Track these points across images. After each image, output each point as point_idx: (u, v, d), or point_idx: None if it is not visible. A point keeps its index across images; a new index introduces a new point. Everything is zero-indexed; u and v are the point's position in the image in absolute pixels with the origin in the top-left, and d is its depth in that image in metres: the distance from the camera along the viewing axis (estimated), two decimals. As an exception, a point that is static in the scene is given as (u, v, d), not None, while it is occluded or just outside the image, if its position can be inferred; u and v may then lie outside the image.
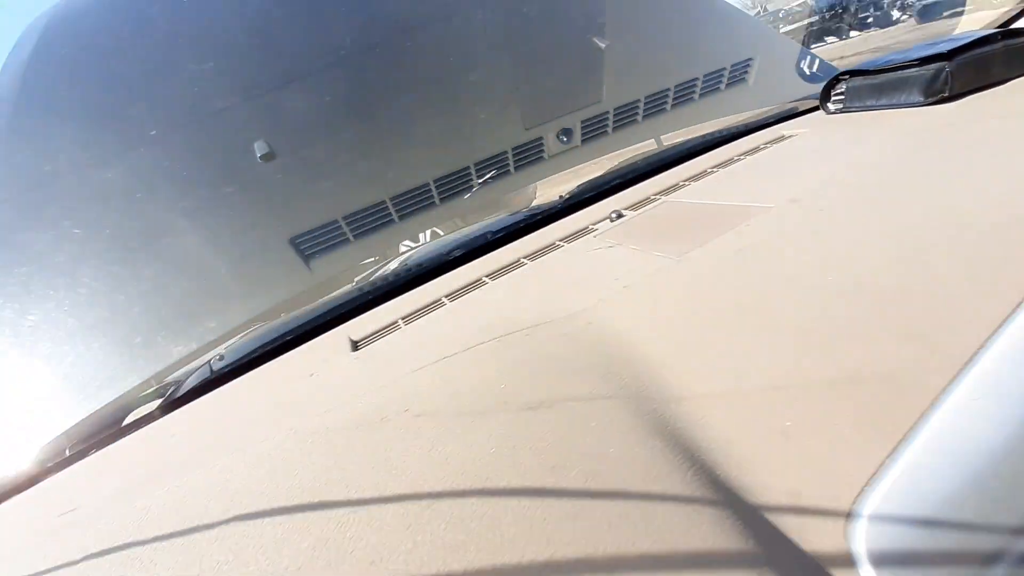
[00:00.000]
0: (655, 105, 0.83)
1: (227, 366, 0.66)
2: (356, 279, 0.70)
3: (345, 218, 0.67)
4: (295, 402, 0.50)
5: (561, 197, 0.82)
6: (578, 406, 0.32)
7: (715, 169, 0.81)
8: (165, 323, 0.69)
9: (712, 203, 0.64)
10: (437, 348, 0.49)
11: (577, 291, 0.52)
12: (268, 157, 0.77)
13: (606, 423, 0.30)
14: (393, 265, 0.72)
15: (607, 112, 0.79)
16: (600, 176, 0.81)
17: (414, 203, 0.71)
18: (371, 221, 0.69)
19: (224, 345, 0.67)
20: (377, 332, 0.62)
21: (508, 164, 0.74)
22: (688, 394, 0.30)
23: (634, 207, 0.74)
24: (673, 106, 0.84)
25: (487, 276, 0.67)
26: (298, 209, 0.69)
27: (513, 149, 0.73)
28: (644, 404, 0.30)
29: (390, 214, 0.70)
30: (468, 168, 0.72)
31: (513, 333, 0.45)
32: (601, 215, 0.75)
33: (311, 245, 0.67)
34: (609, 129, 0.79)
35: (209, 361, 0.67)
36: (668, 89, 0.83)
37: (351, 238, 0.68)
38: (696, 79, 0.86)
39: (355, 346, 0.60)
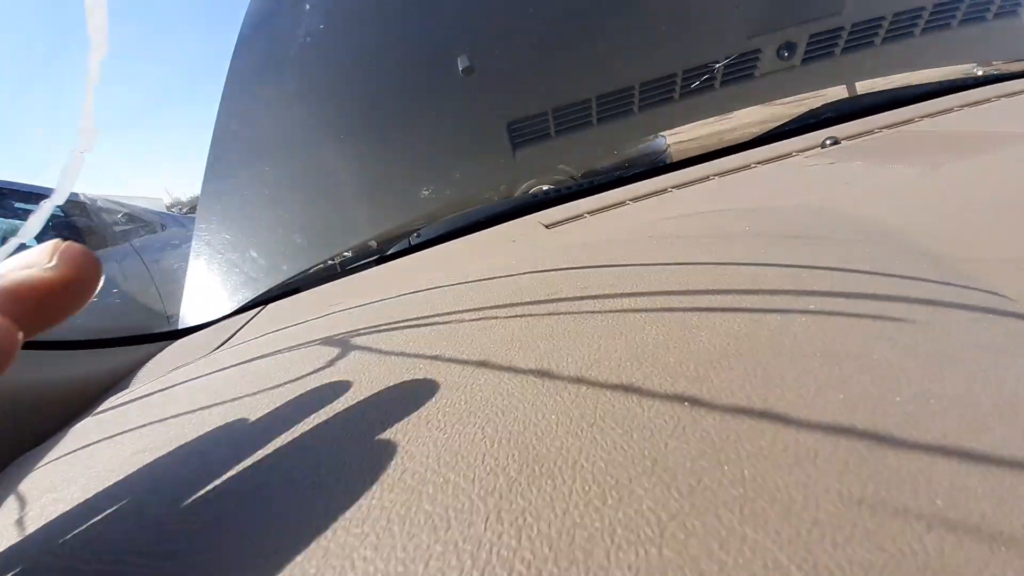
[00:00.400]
0: (902, 27, 0.72)
1: (427, 239, 0.76)
2: (542, 176, 0.75)
3: (553, 111, 0.72)
4: (510, 248, 0.57)
5: (759, 122, 0.77)
6: (870, 247, 0.30)
7: (963, 107, 0.70)
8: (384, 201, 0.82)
9: (980, 131, 0.56)
10: (635, 227, 0.52)
11: (796, 195, 0.50)
12: (469, 71, 0.84)
13: (907, 262, 0.28)
14: (580, 167, 0.76)
15: (842, 28, 0.71)
16: (814, 109, 0.74)
17: (614, 107, 0.72)
18: (571, 120, 0.73)
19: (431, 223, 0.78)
20: (566, 220, 0.67)
21: (715, 77, 0.71)
22: (993, 257, 0.28)
23: (852, 137, 0.68)
24: (924, 31, 0.72)
25: (673, 187, 0.68)
26: (507, 100, 0.76)
27: (725, 59, 0.70)
28: (940, 260, 0.28)
29: (590, 116, 0.73)
30: (674, 76, 0.71)
31: (731, 210, 0.45)
32: (805, 145, 0.70)
33: (518, 135, 0.73)
34: (838, 50, 0.72)
35: (409, 236, 0.79)
36: (923, 8, 0.72)
37: (552, 134, 0.73)
38: (960, 0, 0.73)
39: (547, 228, 0.65)
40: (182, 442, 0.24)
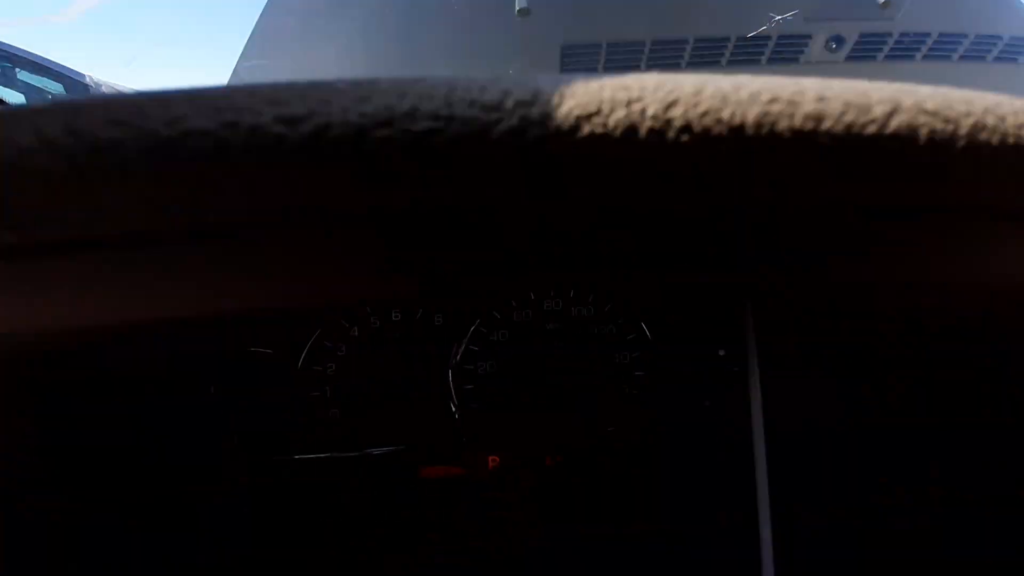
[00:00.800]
0: (944, 47, 0.76)
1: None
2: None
3: (608, 44, 0.73)
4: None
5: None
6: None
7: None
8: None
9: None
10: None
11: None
12: (524, 12, 0.85)
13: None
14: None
15: (889, 34, 0.74)
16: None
17: (664, 56, 0.74)
18: (621, 58, 0.75)
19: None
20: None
21: (764, 51, 0.74)
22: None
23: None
24: (962, 57, 0.76)
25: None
26: (567, 24, 0.77)
27: (779, 38, 0.73)
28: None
29: (640, 59, 0.75)
30: (727, 40, 0.73)
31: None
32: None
33: (569, 60, 0.75)
34: (881, 55, 0.75)
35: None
36: (965, 35, 0.76)
37: (600, 68, 0.75)
38: (1000, 37, 0.77)
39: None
40: None
